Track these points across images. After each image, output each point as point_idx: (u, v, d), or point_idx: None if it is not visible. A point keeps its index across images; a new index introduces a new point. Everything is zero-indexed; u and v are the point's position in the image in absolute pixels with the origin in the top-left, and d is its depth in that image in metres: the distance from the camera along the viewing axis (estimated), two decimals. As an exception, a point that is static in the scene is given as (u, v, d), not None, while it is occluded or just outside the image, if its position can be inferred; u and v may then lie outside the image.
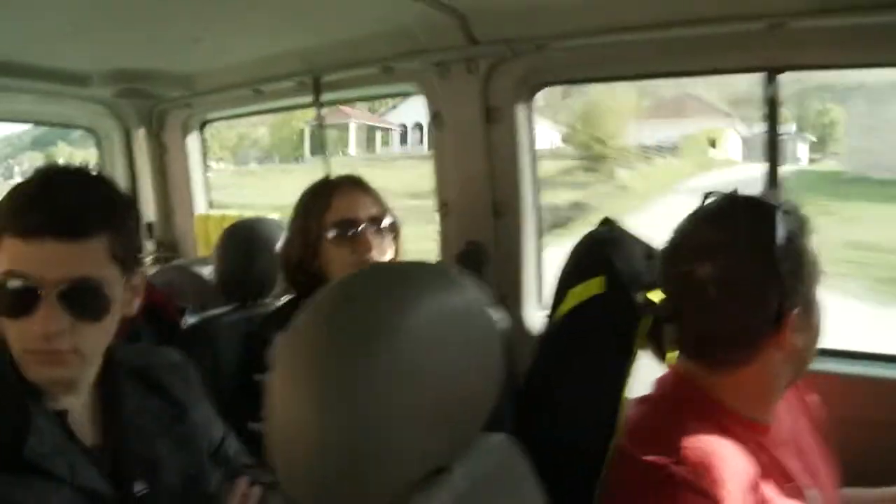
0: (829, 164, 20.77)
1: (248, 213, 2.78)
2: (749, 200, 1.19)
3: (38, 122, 3.36)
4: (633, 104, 22.66)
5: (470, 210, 2.24)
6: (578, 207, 15.86)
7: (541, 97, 2.34)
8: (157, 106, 3.02)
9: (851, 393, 1.72)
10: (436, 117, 2.27)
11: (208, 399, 1.38)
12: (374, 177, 1.91)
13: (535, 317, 2.22)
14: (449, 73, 2.19)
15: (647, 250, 1.39)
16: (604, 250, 1.36)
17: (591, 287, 1.33)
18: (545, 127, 20.49)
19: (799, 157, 21.27)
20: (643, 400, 1.25)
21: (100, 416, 1.20)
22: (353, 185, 1.78)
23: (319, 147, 2.59)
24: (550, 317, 1.41)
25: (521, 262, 2.25)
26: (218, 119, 3.18)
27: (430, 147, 2.33)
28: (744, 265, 1.13)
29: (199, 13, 2.00)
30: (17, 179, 1.23)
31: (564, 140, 23.21)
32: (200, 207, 3.17)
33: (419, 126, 23.23)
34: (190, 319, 2.05)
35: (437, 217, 2.32)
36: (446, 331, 0.81)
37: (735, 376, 1.17)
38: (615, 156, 21.09)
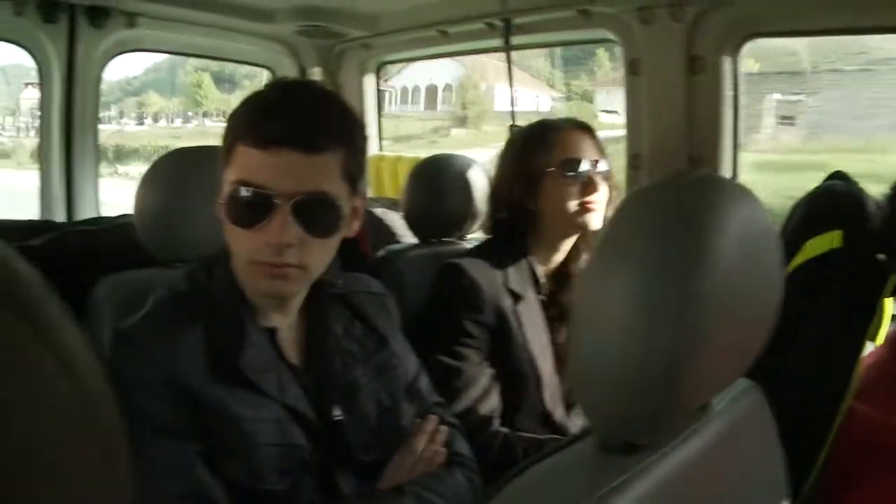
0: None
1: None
2: None
3: (216, 59, 3.47)
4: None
5: (663, 164, 2.15)
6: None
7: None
8: (336, 46, 3.04)
9: None
10: (632, 65, 2.19)
11: None
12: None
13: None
14: (652, 19, 2.09)
15: (876, 202, 1.34)
16: (839, 204, 1.34)
17: (830, 240, 1.30)
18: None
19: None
20: (878, 358, 1.22)
21: (304, 339, 1.22)
22: (578, 127, 1.73)
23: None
24: None
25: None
26: (395, 61, 3.18)
27: (626, 99, 2.24)
28: None
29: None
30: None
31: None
32: (373, 149, 3.19)
33: (417, 88, 25.89)
34: (378, 253, 2.07)
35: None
36: (751, 252, 0.76)
37: None
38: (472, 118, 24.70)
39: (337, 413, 1.17)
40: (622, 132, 2.27)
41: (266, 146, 1.06)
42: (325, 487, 1.14)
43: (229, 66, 19.18)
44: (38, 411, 0.24)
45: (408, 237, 2.26)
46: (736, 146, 2.12)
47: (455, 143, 20.57)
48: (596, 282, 0.74)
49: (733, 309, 0.74)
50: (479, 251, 1.77)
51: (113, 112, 28.29)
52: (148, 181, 1.51)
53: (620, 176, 2.12)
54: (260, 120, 1.08)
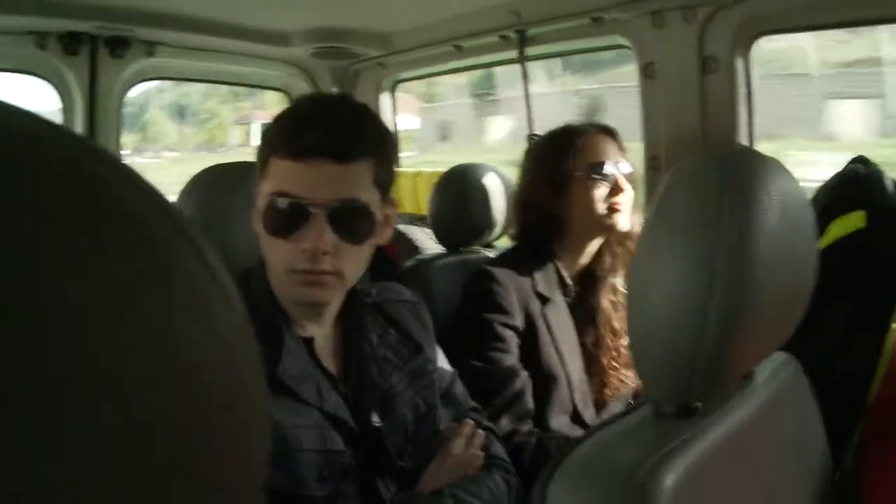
0: None
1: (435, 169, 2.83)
2: None
3: (233, 84, 3.52)
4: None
5: (680, 164, 2.17)
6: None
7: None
8: (351, 66, 3.09)
9: None
10: (646, 69, 2.22)
11: None
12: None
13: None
14: (664, 23, 2.13)
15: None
16: (862, 185, 1.38)
17: (855, 221, 1.34)
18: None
19: None
20: None
21: (341, 348, 1.24)
22: (601, 130, 1.78)
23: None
24: None
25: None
26: (411, 79, 3.22)
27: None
28: None
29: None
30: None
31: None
32: (393, 165, 3.20)
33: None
34: (407, 263, 2.10)
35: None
36: (790, 224, 0.80)
37: None
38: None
39: (375, 419, 1.19)
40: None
41: (301, 157, 1.10)
42: (365, 493, 1.16)
43: (185, 101, 19.43)
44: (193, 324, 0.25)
45: (430, 250, 2.29)
46: (751, 143, 2.15)
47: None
48: (647, 257, 0.78)
49: (776, 279, 0.77)
50: (506, 257, 1.80)
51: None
52: (185, 197, 1.55)
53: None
54: (294, 132, 1.11)
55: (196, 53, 2.86)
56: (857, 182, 1.39)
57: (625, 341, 1.71)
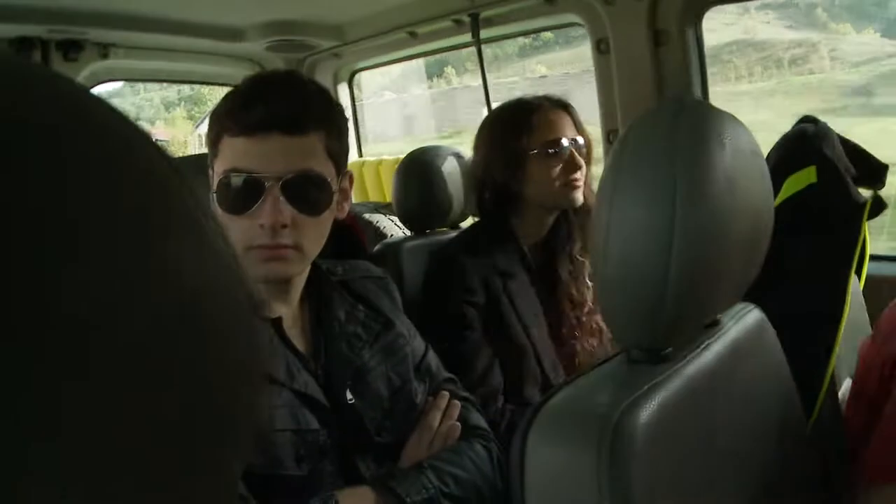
0: None
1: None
2: None
3: (190, 82, 3.50)
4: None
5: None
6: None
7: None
8: (307, 58, 3.09)
9: None
10: (599, 45, 2.26)
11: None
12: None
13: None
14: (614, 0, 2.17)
15: (850, 145, 1.45)
16: (813, 142, 1.41)
17: (807, 176, 1.38)
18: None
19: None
20: None
21: (309, 327, 1.23)
22: (556, 104, 1.78)
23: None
24: None
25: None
26: (367, 68, 3.23)
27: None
28: None
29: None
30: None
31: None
32: (353, 155, 3.23)
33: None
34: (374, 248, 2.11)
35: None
36: (742, 174, 0.83)
37: None
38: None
39: (349, 396, 1.19)
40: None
41: (251, 132, 1.10)
42: (345, 472, 1.15)
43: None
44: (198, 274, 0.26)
45: (398, 236, 2.29)
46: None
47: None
48: (605, 212, 0.80)
49: (734, 222, 0.81)
50: (466, 236, 1.83)
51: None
52: None
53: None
54: (242, 109, 1.11)
55: (150, 53, 2.84)
56: (806, 139, 1.43)
57: (585, 310, 1.74)
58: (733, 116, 0.85)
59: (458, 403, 1.32)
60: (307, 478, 1.10)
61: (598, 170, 1.76)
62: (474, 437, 1.28)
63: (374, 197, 3.13)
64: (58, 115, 0.23)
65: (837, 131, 1.47)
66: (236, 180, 1.11)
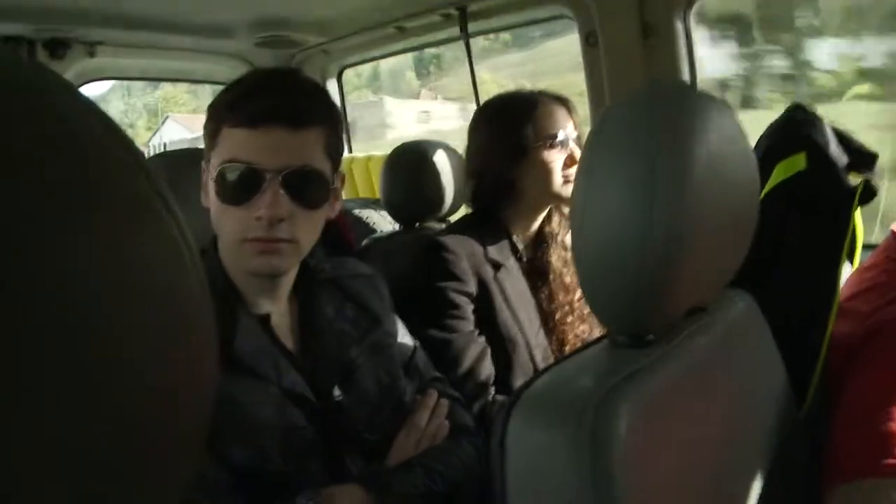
0: None
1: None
2: None
3: (178, 80, 3.48)
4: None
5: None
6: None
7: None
8: (295, 55, 3.07)
9: None
10: (588, 38, 2.24)
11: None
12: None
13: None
14: (603, -9, 2.16)
15: (840, 133, 1.44)
16: (803, 129, 1.41)
17: (797, 162, 1.37)
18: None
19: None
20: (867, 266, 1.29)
21: (297, 325, 1.23)
22: (555, 99, 1.77)
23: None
24: None
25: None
26: (356, 63, 3.20)
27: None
28: None
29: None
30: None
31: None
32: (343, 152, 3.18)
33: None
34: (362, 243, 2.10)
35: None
36: (725, 159, 0.82)
37: None
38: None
39: (336, 394, 1.19)
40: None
41: (253, 124, 1.09)
42: (333, 469, 1.15)
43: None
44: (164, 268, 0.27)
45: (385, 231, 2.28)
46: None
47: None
48: (585, 198, 0.79)
49: (716, 206, 0.79)
50: (458, 226, 1.81)
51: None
52: None
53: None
54: (245, 100, 1.10)
55: (138, 52, 2.81)
56: (796, 127, 1.43)
57: (578, 295, 1.73)
58: (721, 101, 0.84)
59: (446, 402, 1.32)
60: (294, 474, 1.10)
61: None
62: (462, 436, 1.29)
63: (363, 193, 3.12)
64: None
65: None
66: (235, 171, 1.10)
